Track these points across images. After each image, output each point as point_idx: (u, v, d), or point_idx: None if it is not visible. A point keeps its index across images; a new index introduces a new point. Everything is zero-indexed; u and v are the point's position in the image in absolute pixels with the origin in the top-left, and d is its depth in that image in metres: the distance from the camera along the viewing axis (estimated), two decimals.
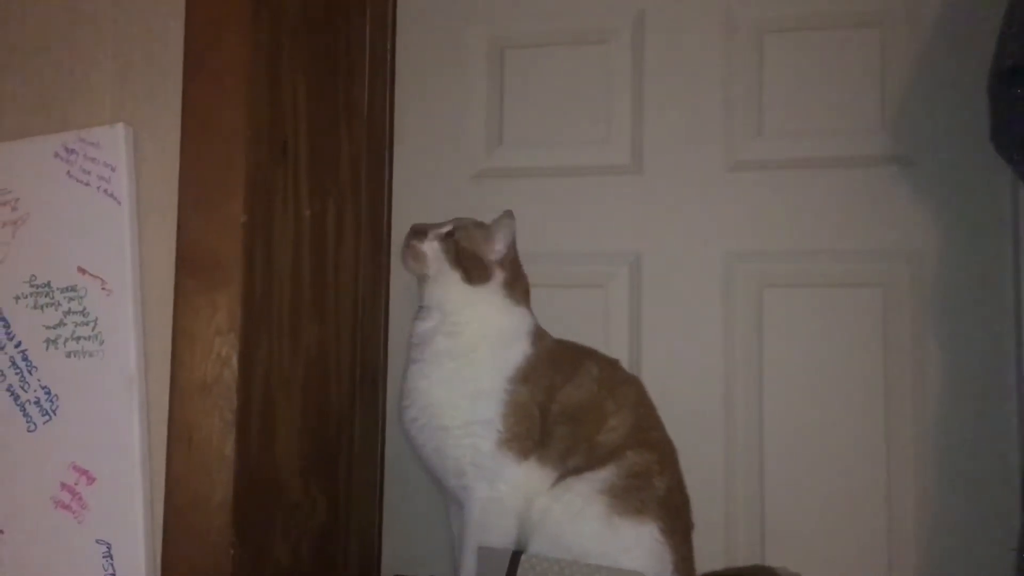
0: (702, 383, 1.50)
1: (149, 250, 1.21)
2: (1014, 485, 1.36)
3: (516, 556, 1.18)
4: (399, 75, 1.66)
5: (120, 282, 1.20)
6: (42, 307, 1.23)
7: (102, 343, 1.20)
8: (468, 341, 1.28)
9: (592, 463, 1.22)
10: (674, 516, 1.23)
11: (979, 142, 1.29)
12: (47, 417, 1.22)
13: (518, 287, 1.34)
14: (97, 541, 1.17)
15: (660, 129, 1.55)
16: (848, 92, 1.48)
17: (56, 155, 1.25)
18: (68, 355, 1.21)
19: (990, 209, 1.41)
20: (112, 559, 1.16)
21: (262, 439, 1.22)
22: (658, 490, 1.22)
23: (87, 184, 1.23)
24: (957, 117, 1.42)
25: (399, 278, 1.62)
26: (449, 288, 1.31)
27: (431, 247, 1.32)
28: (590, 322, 1.54)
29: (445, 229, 1.33)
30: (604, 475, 1.20)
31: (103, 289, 1.20)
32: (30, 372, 1.23)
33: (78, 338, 1.21)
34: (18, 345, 1.24)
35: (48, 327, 1.23)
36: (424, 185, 1.63)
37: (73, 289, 1.22)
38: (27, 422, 1.23)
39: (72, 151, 1.24)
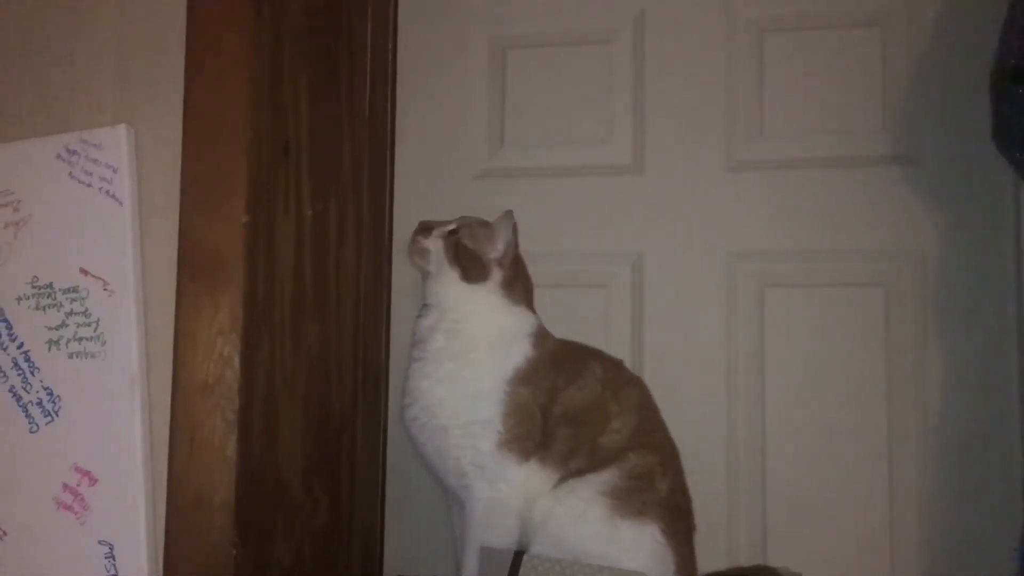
0: (704, 383, 1.50)
1: (151, 251, 1.21)
2: (1016, 485, 1.36)
3: (518, 556, 1.18)
4: (400, 75, 1.66)
5: (122, 283, 1.20)
6: (44, 308, 1.23)
7: (104, 344, 1.20)
8: (467, 341, 1.28)
9: (594, 465, 1.22)
10: (676, 517, 1.23)
11: (981, 141, 1.29)
12: (49, 418, 1.22)
13: (518, 287, 1.34)
14: (99, 542, 1.17)
15: (661, 129, 1.55)
16: (849, 92, 1.48)
17: (58, 156, 1.25)
18: (70, 356, 1.21)
19: (992, 208, 1.41)
20: (114, 560, 1.16)
21: (264, 439, 1.22)
22: (660, 492, 1.22)
23: (89, 185, 1.23)
24: (959, 116, 1.42)
25: (401, 278, 1.62)
26: (447, 285, 1.32)
27: (434, 244, 1.34)
28: (592, 322, 1.54)
29: (450, 227, 1.35)
30: (606, 477, 1.20)
31: (105, 290, 1.20)
32: (32, 373, 1.23)
33: (80, 339, 1.21)
34: (20, 346, 1.24)
35: (50, 328, 1.23)
36: (426, 185, 1.63)
37: (75, 290, 1.22)
38: (29, 423, 1.23)
39: (74, 152, 1.24)
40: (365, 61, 1.56)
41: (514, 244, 1.33)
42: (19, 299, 1.25)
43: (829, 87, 1.49)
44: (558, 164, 1.58)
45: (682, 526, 1.24)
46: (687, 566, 1.23)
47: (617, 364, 1.34)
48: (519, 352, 1.27)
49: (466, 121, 1.63)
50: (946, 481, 1.40)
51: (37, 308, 1.24)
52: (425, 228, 1.37)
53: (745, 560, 1.44)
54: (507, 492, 1.22)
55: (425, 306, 1.35)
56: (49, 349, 1.23)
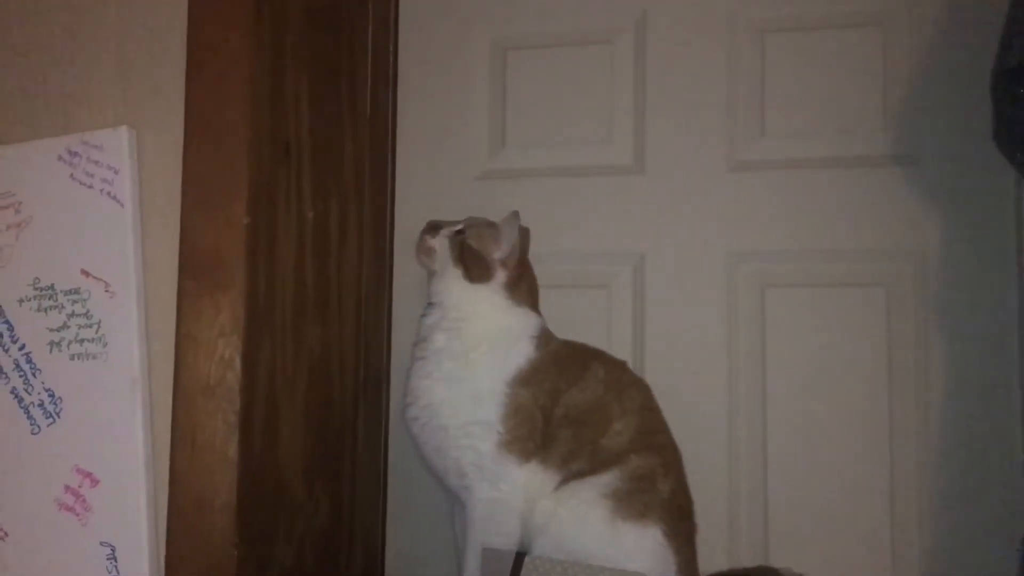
0: (705, 383, 1.50)
1: (152, 252, 1.21)
2: (1018, 484, 1.36)
3: (520, 557, 1.18)
4: (401, 76, 1.66)
5: (123, 284, 1.20)
6: (46, 310, 1.24)
7: (105, 345, 1.20)
8: (468, 340, 1.28)
9: (596, 466, 1.22)
10: (678, 519, 1.23)
11: (982, 141, 1.29)
12: (51, 419, 1.22)
13: (522, 288, 1.34)
14: (101, 543, 1.17)
15: (662, 129, 1.55)
16: (850, 92, 1.48)
17: (59, 158, 1.25)
18: (72, 357, 1.21)
19: (993, 208, 1.41)
20: (116, 561, 1.16)
21: (265, 440, 1.22)
22: (662, 493, 1.22)
23: (90, 187, 1.23)
24: (959, 116, 1.42)
25: (403, 278, 1.62)
26: (450, 284, 1.32)
27: (440, 243, 1.34)
28: (593, 322, 1.54)
29: (457, 227, 1.35)
30: (607, 479, 1.20)
31: (106, 291, 1.21)
32: (34, 374, 1.23)
33: (82, 340, 1.21)
34: (22, 348, 1.24)
35: (52, 329, 1.23)
36: (427, 186, 1.63)
37: (76, 291, 1.22)
38: (31, 424, 1.23)
39: (75, 154, 1.24)
40: (366, 61, 1.56)
41: (519, 245, 1.33)
42: (21, 301, 1.25)
43: (830, 87, 1.49)
44: (559, 164, 1.58)
45: (684, 527, 1.24)
46: (689, 567, 1.23)
47: (620, 365, 1.34)
48: (521, 353, 1.27)
49: (467, 121, 1.63)
50: (947, 481, 1.40)
51: (38, 310, 1.24)
52: (433, 227, 1.37)
53: (747, 561, 1.44)
54: (508, 493, 1.22)
55: (429, 305, 1.35)
56: (50, 351, 1.23)
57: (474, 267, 1.31)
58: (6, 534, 1.23)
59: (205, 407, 1.16)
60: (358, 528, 1.50)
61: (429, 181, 1.63)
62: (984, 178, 1.41)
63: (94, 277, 1.21)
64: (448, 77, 1.64)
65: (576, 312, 1.51)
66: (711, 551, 1.35)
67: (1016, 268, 1.39)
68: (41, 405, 1.22)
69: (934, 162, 1.44)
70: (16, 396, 1.24)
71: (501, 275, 1.32)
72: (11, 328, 1.25)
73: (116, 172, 1.22)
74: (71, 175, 1.24)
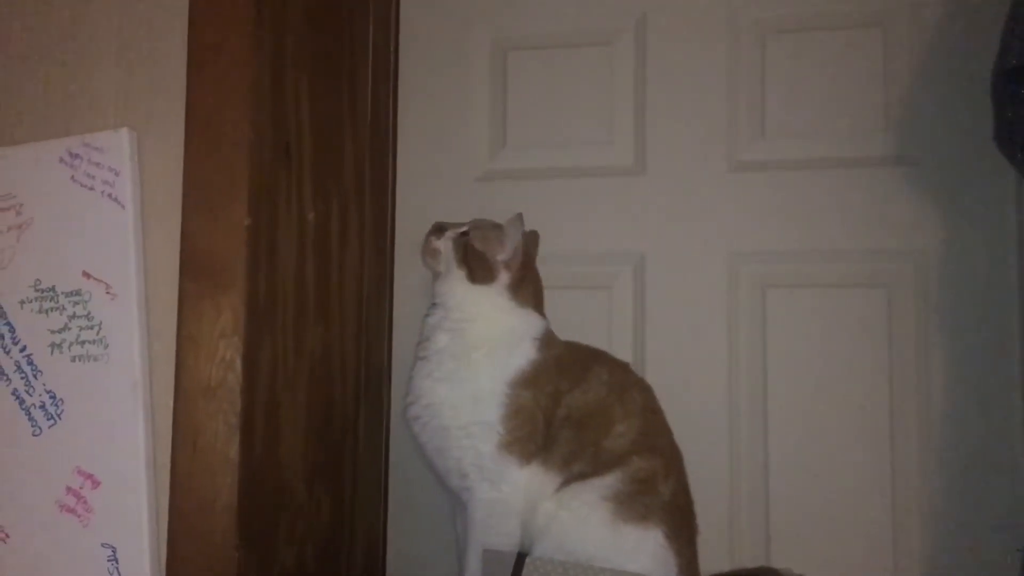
0: (706, 384, 1.50)
1: (153, 254, 1.21)
2: (1019, 485, 1.36)
3: (521, 558, 1.18)
4: (402, 77, 1.66)
5: (124, 286, 1.20)
6: (47, 311, 1.24)
7: (107, 347, 1.20)
8: (470, 341, 1.28)
9: (597, 468, 1.22)
10: (679, 521, 1.23)
11: (983, 142, 1.29)
12: (52, 421, 1.22)
13: (525, 290, 1.33)
14: (102, 545, 1.17)
15: (663, 130, 1.55)
16: (851, 92, 1.48)
17: (60, 160, 1.25)
18: (73, 359, 1.21)
19: (994, 208, 1.41)
20: (117, 563, 1.16)
21: (266, 442, 1.22)
22: (663, 495, 1.22)
23: (91, 188, 1.23)
24: (960, 117, 1.42)
25: (404, 279, 1.62)
26: (454, 285, 1.32)
27: (445, 244, 1.35)
28: (594, 323, 1.54)
29: (462, 229, 1.35)
30: (609, 481, 1.20)
31: (107, 293, 1.21)
32: (35, 376, 1.23)
33: (83, 342, 1.21)
34: (23, 349, 1.24)
35: (53, 331, 1.23)
36: (428, 187, 1.63)
37: (78, 293, 1.22)
38: (32, 426, 1.23)
39: (76, 156, 1.24)
40: (367, 63, 1.56)
41: (523, 246, 1.33)
42: (22, 302, 1.25)
43: (830, 88, 1.49)
44: (560, 165, 1.58)
45: (685, 529, 1.24)
46: (690, 568, 1.23)
47: (623, 367, 1.34)
48: (522, 355, 1.27)
49: (468, 122, 1.63)
50: (949, 482, 1.40)
51: (40, 311, 1.24)
52: (439, 229, 1.38)
53: (748, 561, 1.44)
54: (509, 494, 1.22)
55: (433, 305, 1.35)
56: (52, 352, 1.23)
57: (477, 268, 1.31)
58: (7, 536, 1.23)
59: (206, 408, 1.16)
60: (359, 529, 1.50)
61: (430, 181, 1.63)
62: (985, 179, 1.41)
63: (95, 279, 1.21)
64: (449, 78, 1.64)
65: (577, 313, 1.51)
66: (712, 552, 1.35)
67: (1017, 268, 1.39)
68: (42, 407, 1.22)
69: (935, 163, 1.44)
70: (17, 398, 1.24)
71: (504, 276, 1.32)
72: (12, 330, 1.26)
73: (117, 174, 1.22)
74: (72, 177, 1.24)
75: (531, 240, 1.42)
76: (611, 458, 1.22)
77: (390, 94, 1.64)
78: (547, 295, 1.40)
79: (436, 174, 1.63)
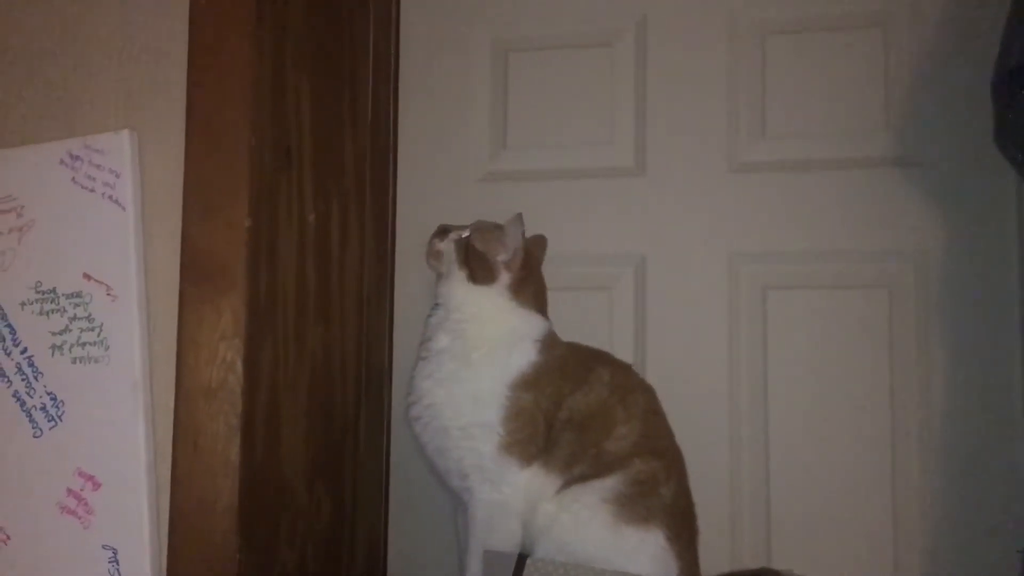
0: (707, 385, 1.50)
1: (154, 256, 1.22)
2: (1020, 485, 1.35)
3: (522, 559, 1.18)
4: (403, 78, 1.66)
5: (125, 288, 1.20)
6: (48, 313, 1.24)
7: (107, 349, 1.20)
8: (470, 341, 1.28)
9: (599, 470, 1.21)
10: (680, 523, 1.22)
11: (983, 142, 1.28)
12: (53, 423, 1.22)
13: (526, 291, 1.33)
14: (103, 546, 1.17)
15: (663, 131, 1.55)
16: (851, 93, 1.48)
17: (61, 162, 1.25)
18: (74, 361, 1.21)
19: (995, 209, 1.41)
20: (118, 564, 1.16)
21: (267, 443, 1.22)
22: (664, 498, 1.21)
23: (92, 190, 1.23)
24: (961, 117, 1.42)
25: (404, 280, 1.62)
26: (455, 286, 1.32)
27: (447, 246, 1.35)
28: (595, 324, 1.54)
29: (465, 231, 1.35)
30: (610, 483, 1.20)
31: (108, 295, 1.21)
32: (36, 378, 1.23)
33: (83, 344, 1.21)
34: (24, 351, 1.25)
35: (54, 333, 1.23)
36: (428, 188, 1.63)
37: (78, 295, 1.22)
38: (33, 428, 1.23)
39: (77, 158, 1.25)
40: (367, 64, 1.56)
41: (525, 248, 1.33)
42: (23, 304, 1.26)
43: (831, 89, 1.49)
44: (560, 166, 1.58)
45: (685, 531, 1.24)
46: (691, 570, 1.23)
47: (626, 369, 1.34)
48: (523, 356, 1.27)
49: (468, 123, 1.63)
50: (950, 482, 1.40)
51: (40, 313, 1.24)
52: (442, 231, 1.38)
53: (749, 562, 1.44)
54: (509, 495, 1.22)
55: (435, 306, 1.35)
56: (52, 354, 1.23)
57: (478, 269, 1.31)
58: (8, 537, 1.24)
59: (207, 410, 1.16)
60: (360, 530, 1.50)
61: (430, 183, 1.63)
62: (985, 179, 1.41)
63: (96, 281, 1.22)
64: (449, 79, 1.64)
65: (578, 314, 1.51)
66: (713, 553, 1.35)
67: (1017, 269, 1.39)
68: (43, 408, 1.23)
69: (935, 163, 1.44)
70: (18, 399, 1.24)
71: (505, 277, 1.31)
72: (13, 331, 1.26)
73: (118, 176, 1.22)
74: (73, 179, 1.24)
75: (538, 244, 1.42)
76: (612, 460, 1.22)
77: (391, 95, 1.64)
78: (548, 296, 1.40)
79: (437, 175, 1.63)
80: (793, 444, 1.46)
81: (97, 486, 1.19)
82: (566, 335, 1.36)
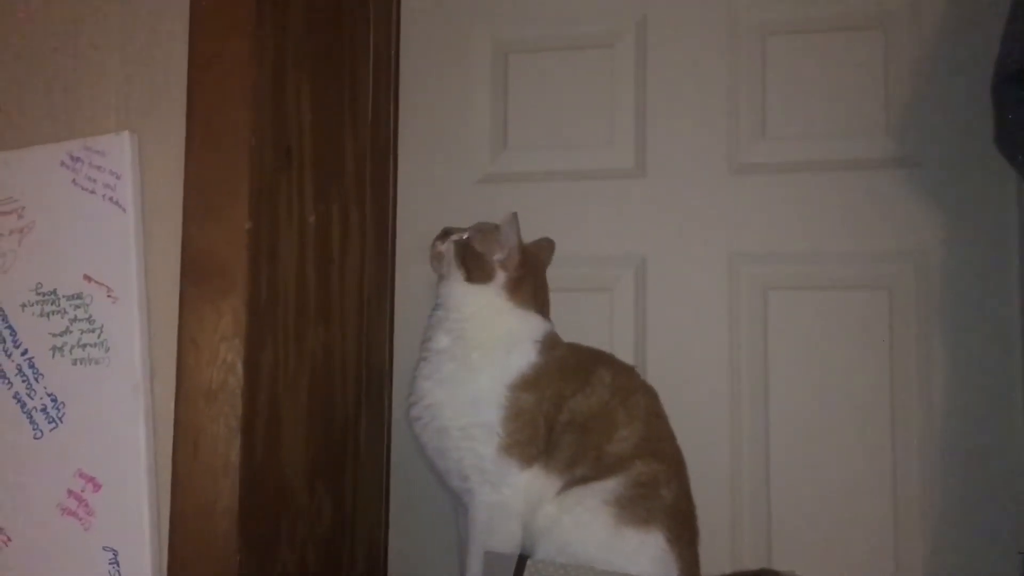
0: (707, 385, 1.50)
1: (154, 257, 1.22)
2: (1021, 487, 1.35)
3: (522, 561, 1.18)
4: (403, 80, 1.66)
5: (125, 289, 1.20)
6: (48, 315, 1.24)
7: (108, 350, 1.20)
8: (468, 342, 1.28)
9: (599, 472, 1.21)
10: (680, 524, 1.22)
11: (983, 144, 1.29)
12: (53, 424, 1.22)
13: (523, 290, 1.32)
14: (104, 548, 1.17)
15: (664, 132, 1.55)
16: (852, 94, 1.48)
17: (62, 163, 1.26)
18: (74, 362, 1.22)
19: (995, 210, 1.41)
20: (118, 566, 1.17)
21: (268, 444, 1.22)
22: (665, 500, 1.21)
23: (92, 192, 1.23)
24: (961, 119, 1.42)
25: (404, 281, 1.62)
26: (453, 286, 1.32)
27: (447, 247, 1.35)
28: (595, 325, 1.54)
29: (466, 234, 1.35)
30: (611, 485, 1.20)
31: (109, 296, 1.21)
32: (36, 380, 1.23)
33: (84, 345, 1.21)
34: (24, 353, 1.25)
35: (54, 335, 1.23)
36: (429, 189, 1.63)
37: (79, 297, 1.22)
38: (34, 429, 1.23)
39: (78, 159, 1.25)
40: (367, 66, 1.56)
41: (520, 246, 1.33)
42: (23, 306, 1.26)
43: (832, 90, 1.49)
44: (561, 168, 1.58)
45: (686, 532, 1.24)
46: (691, 572, 1.23)
47: (628, 371, 1.33)
48: (522, 357, 1.27)
49: (469, 125, 1.63)
50: (950, 483, 1.40)
51: (41, 315, 1.24)
52: (444, 234, 1.38)
53: (750, 563, 1.44)
54: (509, 496, 1.22)
55: (435, 306, 1.35)
56: (53, 356, 1.23)
57: (474, 268, 1.31)
58: (9, 539, 1.24)
59: (207, 411, 1.17)
60: (360, 531, 1.50)
61: (430, 184, 1.63)
62: (985, 180, 1.41)
63: (96, 282, 1.22)
64: (449, 80, 1.64)
65: (578, 315, 1.51)
66: (714, 553, 1.35)
67: (1018, 269, 1.39)
68: (44, 410, 1.23)
69: (936, 164, 1.44)
70: (19, 401, 1.24)
71: (501, 276, 1.31)
72: (14, 333, 1.26)
73: (118, 177, 1.22)
74: (73, 180, 1.25)
75: (545, 248, 1.42)
76: (614, 462, 1.22)
77: (391, 97, 1.64)
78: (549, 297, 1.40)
79: (437, 176, 1.63)
80: (793, 445, 1.46)
81: (97, 487, 1.19)
82: (566, 336, 1.36)
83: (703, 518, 1.28)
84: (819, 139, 1.49)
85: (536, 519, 1.22)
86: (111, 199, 1.22)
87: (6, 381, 1.25)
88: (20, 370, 1.24)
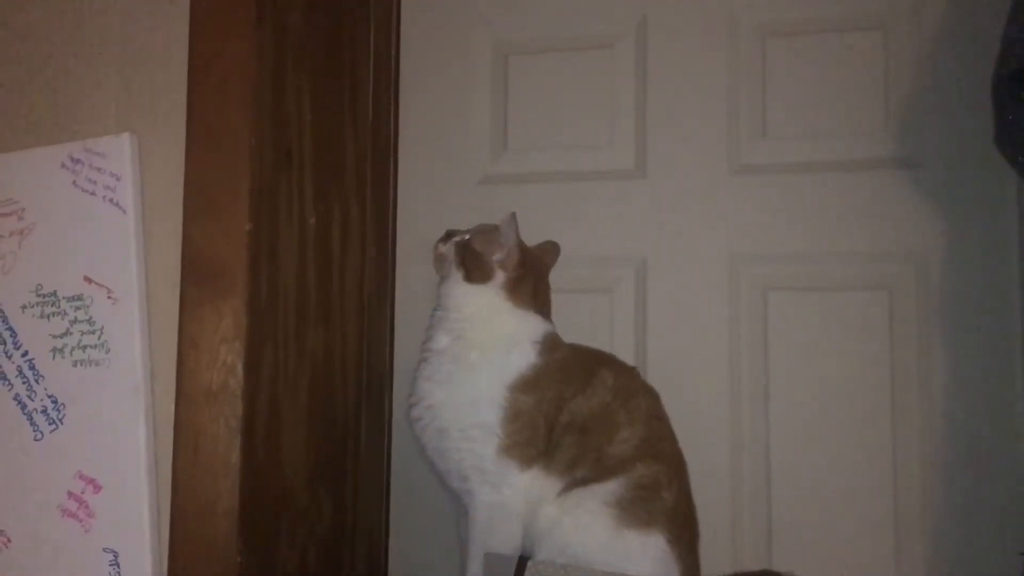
0: (708, 387, 1.50)
1: (155, 259, 1.22)
2: (1021, 487, 1.35)
3: (523, 561, 1.18)
4: (403, 81, 1.67)
5: (126, 291, 1.20)
6: (48, 316, 1.24)
7: (108, 352, 1.20)
8: (467, 342, 1.28)
9: (600, 474, 1.21)
10: (681, 526, 1.22)
11: (983, 144, 1.28)
12: (54, 426, 1.22)
13: (522, 290, 1.32)
14: (104, 549, 1.17)
15: (664, 133, 1.55)
16: (852, 95, 1.48)
17: (62, 165, 1.26)
18: (74, 364, 1.22)
19: (995, 211, 1.41)
20: (119, 567, 1.17)
21: (268, 446, 1.22)
22: (666, 502, 1.21)
23: (93, 194, 1.23)
24: (961, 119, 1.42)
25: (405, 282, 1.62)
26: (452, 286, 1.32)
27: (448, 248, 1.35)
28: (596, 326, 1.54)
29: (467, 235, 1.35)
30: (612, 487, 1.20)
31: (109, 298, 1.21)
32: (37, 381, 1.24)
33: (84, 347, 1.21)
34: (25, 354, 1.25)
35: (54, 336, 1.23)
36: (429, 190, 1.63)
37: (79, 298, 1.22)
38: (34, 431, 1.23)
39: (78, 161, 1.25)
40: (368, 67, 1.56)
41: (518, 246, 1.33)
42: (24, 307, 1.26)
43: (832, 90, 1.49)
44: (561, 169, 1.58)
45: (687, 534, 1.23)
46: (692, 573, 1.23)
47: (630, 372, 1.33)
48: (522, 358, 1.27)
49: (469, 126, 1.63)
50: (951, 484, 1.40)
51: (41, 316, 1.24)
52: (447, 236, 1.38)
53: (750, 564, 1.44)
54: (509, 497, 1.22)
55: (436, 306, 1.36)
56: (53, 357, 1.23)
57: (473, 268, 1.31)
58: (9, 540, 1.24)
59: (207, 413, 1.17)
60: (361, 532, 1.50)
61: (431, 185, 1.63)
62: (986, 181, 1.40)
63: (96, 284, 1.22)
64: (450, 82, 1.64)
65: (579, 316, 1.51)
66: (714, 555, 1.35)
67: (1018, 270, 1.39)
68: (44, 411, 1.23)
69: (936, 165, 1.44)
70: (19, 402, 1.24)
71: (500, 276, 1.31)
72: (14, 334, 1.26)
73: (118, 179, 1.22)
74: (74, 182, 1.25)
75: (550, 251, 1.42)
76: (614, 464, 1.22)
77: (391, 98, 1.64)
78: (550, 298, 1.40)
79: (437, 177, 1.63)
80: (794, 445, 1.46)
81: (98, 489, 1.19)
82: (567, 337, 1.36)
83: (704, 519, 1.28)
84: (819, 140, 1.49)
85: (537, 520, 1.22)
86: (111, 200, 1.22)
87: (6, 383, 1.25)
88: (20, 372, 1.24)
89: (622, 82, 1.57)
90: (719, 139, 1.52)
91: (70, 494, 1.20)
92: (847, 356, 1.46)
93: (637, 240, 1.54)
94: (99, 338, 1.21)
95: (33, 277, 1.26)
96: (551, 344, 1.31)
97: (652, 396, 1.31)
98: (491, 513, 1.23)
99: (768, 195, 1.50)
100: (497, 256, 1.31)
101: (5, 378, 1.25)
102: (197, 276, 1.19)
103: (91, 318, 1.21)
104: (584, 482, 1.22)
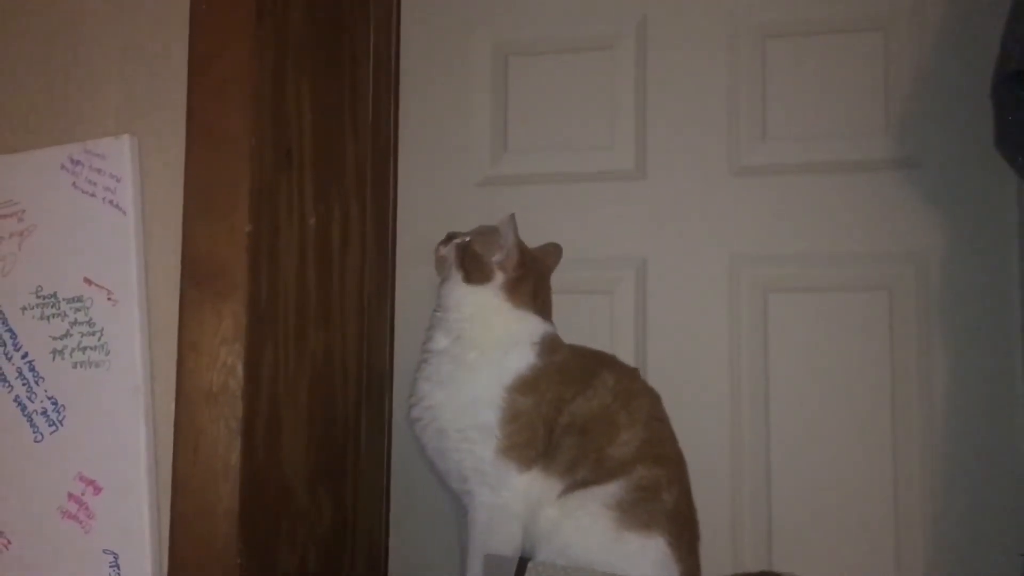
0: (708, 388, 1.50)
1: (155, 260, 1.22)
2: (1021, 487, 1.35)
3: (523, 563, 1.18)
4: (403, 82, 1.66)
5: (126, 292, 1.20)
6: (48, 318, 1.24)
7: (108, 353, 1.20)
8: (466, 342, 1.28)
9: (600, 476, 1.21)
10: (681, 528, 1.22)
11: (984, 145, 1.29)
12: (54, 427, 1.22)
13: (521, 291, 1.32)
14: (104, 551, 1.17)
15: (664, 134, 1.55)
16: (852, 96, 1.48)
17: (62, 167, 1.26)
18: (74, 365, 1.22)
19: (995, 212, 1.41)
20: (119, 569, 1.17)
21: (268, 447, 1.22)
22: (666, 503, 1.21)
23: (93, 195, 1.23)
24: (962, 120, 1.42)
25: (405, 283, 1.62)
26: (452, 287, 1.32)
27: (448, 250, 1.35)
28: (596, 327, 1.54)
29: (468, 237, 1.35)
30: (613, 489, 1.20)
31: (109, 299, 1.21)
32: (37, 383, 1.24)
33: (84, 348, 1.21)
34: (25, 356, 1.25)
35: (54, 338, 1.23)
36: (429, 192, 1.63)
37: (79, 300, 1.22)
38: (34, 432, 1.23)
39: (78, 162, 1.25)
40: (368, 68, 1.56)
41: (518, 247, 1.32)
42: (24, 309, 1.26)
43: (832, 91, 1.49)
44: (561, 170, 1.58)
45: (687, 535, 1.23)
46: (692, 574, 1.23)
47: (631, 373, 1.32)
48: (521, 359, 1.27)
49: (469, 127, 1.63)
50: (951, 485, 1.40)
51: (41, 318, 1.24)
52: (448, 238, 1.38)
53: (750, 565, 1.44)
54: (509, 498, 1.22)
55: (436, 307, 1.35)
56: (53, 359, 1.23)
57: (473, 269, 1.31)
58: (9, 542, 1.24)
59: (207, 414, 1.17)
60: (361, 533, 1.50)
61: (431, 186, 1.63)
62: (986, 181, 1.40)
63: (96, 285, 1.22)
64: (450, 83, 1.64)
65: (579, 317, 1.51)
66: (715, 556, 1.35)
67: (1018, 270, 1.39)
68: (44, 413, 1.23)
69: (936, 166, 1.44)
70: (19, 404, 1.24)
71: (499, 277, 1.31)
72: (14, 336, 1.26)
73: (118, 180, 1.22)
74: (74, 183, 1.25)
75: (551, 253, 1.42)
76: (615, 466, 1.22)
77: (391, 99, 1.64)
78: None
79: (437, 178, 1.63)
80: (794, 447, 1.46)
81: (98, 490, 1.19)
82: (567, 338, 1.36)
83: (704, 520, 1.28)
84: (819, 140, 1.49)
85: (537, 522, 1.22)
86: (111, 202, 1.22)
87: (6, 384, 1.25)
88: (20, 373, 1.24)
89: (622, 83, 1.57)
90: (719, 140, 1.52)
91: (70, 496, 1.20)
92: (847, 356, 1.46)
93: (637, 241, 1.54)
94: (99, 339, 1.21)
95: (33, 279, 1.26)
96: (551, 345, 1.31)
97: (653, 397, 1.30)
98: (491, 514, 1.23)
99: (768, 196, 1.50)
100: (496, 257, 1.31)
101: (5, 380, 1.25)
102: (197, 277, 1.19)
103: (91, 319, 1.21)
104: (584, 484, 1.21)
